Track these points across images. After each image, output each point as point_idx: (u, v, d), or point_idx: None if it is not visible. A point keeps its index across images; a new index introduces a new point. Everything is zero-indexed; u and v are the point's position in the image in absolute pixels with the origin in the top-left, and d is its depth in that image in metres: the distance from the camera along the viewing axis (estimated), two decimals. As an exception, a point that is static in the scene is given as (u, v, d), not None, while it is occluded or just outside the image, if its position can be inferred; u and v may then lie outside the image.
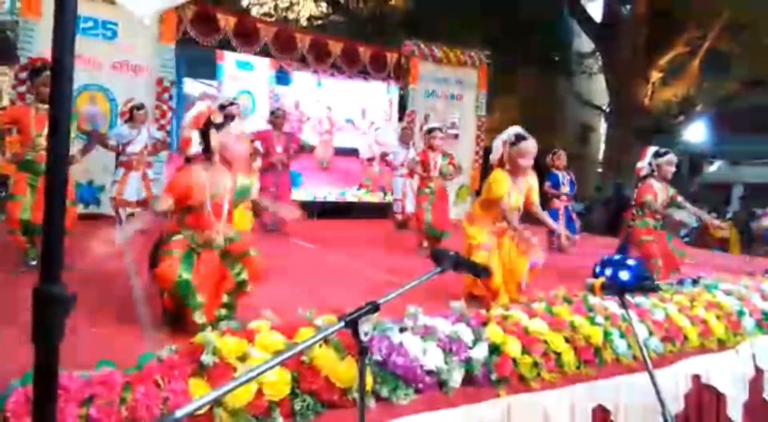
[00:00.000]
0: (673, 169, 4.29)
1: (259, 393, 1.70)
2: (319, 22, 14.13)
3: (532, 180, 3.29)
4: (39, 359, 0.68)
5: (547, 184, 6.20)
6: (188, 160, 2.43)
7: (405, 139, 7.52)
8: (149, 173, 5.75)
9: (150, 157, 5.75)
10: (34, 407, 0.70)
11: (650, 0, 11.73)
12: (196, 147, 2.37)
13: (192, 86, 8.24)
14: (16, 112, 3.76)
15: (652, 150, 4.41)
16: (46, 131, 0.73)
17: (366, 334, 1.32)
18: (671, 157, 4.28)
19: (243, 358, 1.76)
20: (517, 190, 3.21)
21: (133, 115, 5.38)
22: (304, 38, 8.40)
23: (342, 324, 1.28)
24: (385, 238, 6.38)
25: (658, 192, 4.24)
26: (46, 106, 3.29)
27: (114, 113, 6.76)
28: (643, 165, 4.37)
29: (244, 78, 8.58)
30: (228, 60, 8.30)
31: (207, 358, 1.70)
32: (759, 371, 3.03)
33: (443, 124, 5.41)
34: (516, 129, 3.27)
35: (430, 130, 5.31)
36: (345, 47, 8.70)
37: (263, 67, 8.60)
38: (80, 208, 5.13)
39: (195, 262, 2.35)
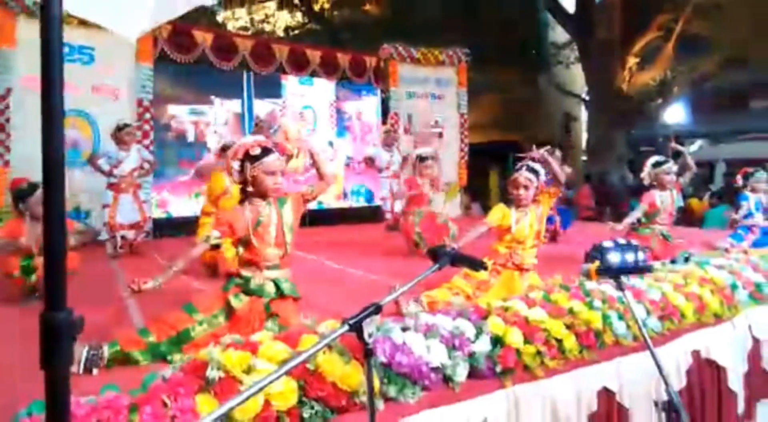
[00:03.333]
0: (671, 177, 4.50)
1: (267, 404, 1.70)
2: (296, 32, 14.15)
3: (536, 210, 3.38)
4: (49, 385, 0.68)
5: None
6: (243, 193, 2.60)
7: (389, 141, 7.55)
8: (140, 195, 5.73)
9: (141, 178, 5.73)
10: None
11: (621, -13, 11.90)
12: (235, 176, 2.54)
13: (260, 106, 8.47)
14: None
15: (651, 161, 4.60)
16: None
17: (370, 336, 1.34)
18: (668, 166, 4.49)
19: (248, 370, 1.76)
20: (525, 221, 3.30)
21: (118, 136, 5.35)
22: (281, 49, 8.42)
23: (346, 327, 1.30)
24: (376, 241, 6.39)
25: (661, 199, 4.44)
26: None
27: (96, 137, 6.73)
28: (644, 175, 4.58)
29: (306, 93, 8.97)
30: (291, 78, 8.72)
31: (212, 373, 1.71)
32: (756, 341, 3.08)
33: (433, 152, 5.47)
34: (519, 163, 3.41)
35: (422, 159, 5.31)
36: (323, 55, 8.73)
37: (323, 81, 9.00)
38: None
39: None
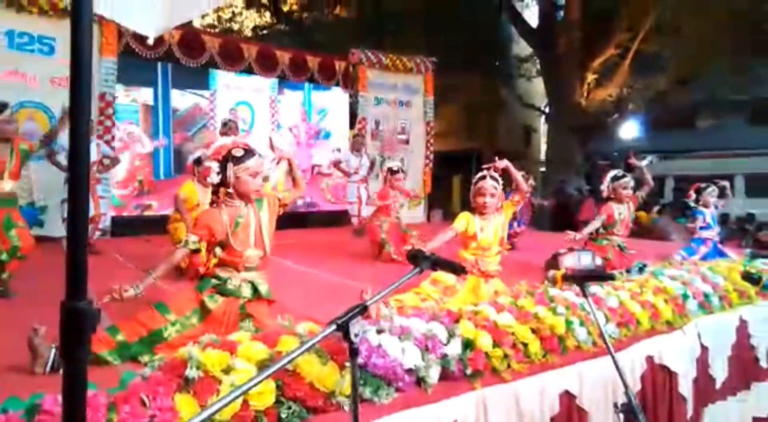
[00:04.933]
0: (628, 192, 4.73)
1: (245, 404, 1.71)
2: (264, 32, 14.04)
3: (499, 218, 3.46)
4: (68, 373, 0.70)
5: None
6: (215, 192, 2.60)
7: (356, 146, 7.61)
8: (98, 190, 5.57)
9: (100, 174, 5.57)
10: (65, 420, 0.71)
11: (583, 5, 12.33)
12: (214, 178, 2.51)
13: (181, 99, 7.94)
14: None
15: (611, 174, 4.81)
16: None
17: (356, 336, 1.37)
18: (626, 181, 4.71)
19: (227, 370, 1.77)
20: (489, 228, 3.39)
21: None
22: (250, 48, 8.35)
23: (334, 327, 1.33)
24: (344, 245, 6.42)
25: (618, 212, 4.64)
26: None
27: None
28: (603, 188, 4.78)
29: (242, 87, 8.42)
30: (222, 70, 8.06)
31: (192, 372, 1.70)
32: (704, 348, 3.27)
33: (402, 166, 5.69)
34: (483, 171, 3.48)
35: (393, 172, 5.47)
36: (293, 56, 8.71)
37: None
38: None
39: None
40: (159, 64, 7.66)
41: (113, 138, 6.85)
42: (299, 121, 9.27)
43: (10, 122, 3.64)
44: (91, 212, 5.32)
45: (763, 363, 3.75)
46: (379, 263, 5.18)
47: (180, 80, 7.93)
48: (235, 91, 8.42)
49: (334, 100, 9.59)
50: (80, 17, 0.72)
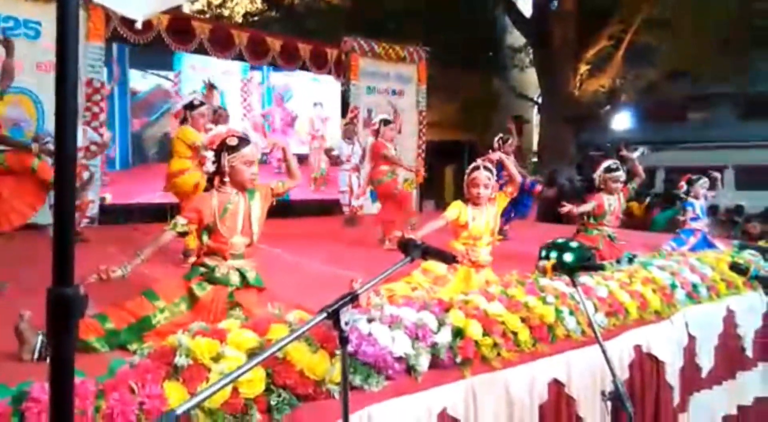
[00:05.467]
0: (618, 185, 4.74)
1: (235, 391, 1.71)
2: (255, 18, 13.88)
3: (492, 208, 3.46)
4: (55, 359, 0.69)
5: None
6: (209, 180, 2.57)
7: (348, 134, 7.58)
8: (84, 176, 5.50)
9: (88, 160, 5.51)
10: (52, 406, 0.70)
11: (577, -4, 12.32)
12: (210, 167, 2.52)
13: (142, 81, 7.53)
14: None
15: (605, 164, 4.80)
16: None
17: (347, 324, 1.37)
18: (618, 174, 4.71)
19: (217, 358, 1.76)
20: (481, 218, 3.39)
21: None
22: (241, 35, 8.26)
23: (324, 315, 1.33)
24: (334, 234, 6.41)
25: (608, 202, 4.65)
26: None
27: (41, 117, 6.41)
28: (595, 177, 4.79)
29: (210, 69, 7.81)
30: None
31: (181, 360, 1.70)
32: (691, 338, 3.31)
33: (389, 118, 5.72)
34: (476, 162, 3.47)
35: (386, 122, 5.55)
36: (284, 43, 8.63)
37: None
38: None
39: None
40: (114, 43, 7.20)
41: (101, 124, 6.76)
42: (273, 107, 8.94)
43: None
44: (78, 199, 5.28)
45: (748, 353, 3.80)
46: (374, 252, 5.18)
47: (140, 60, 7.48)
48: (202, 74, 7.71)
49: (322, 86, 9.36)
50: (67, 1, 0.70)
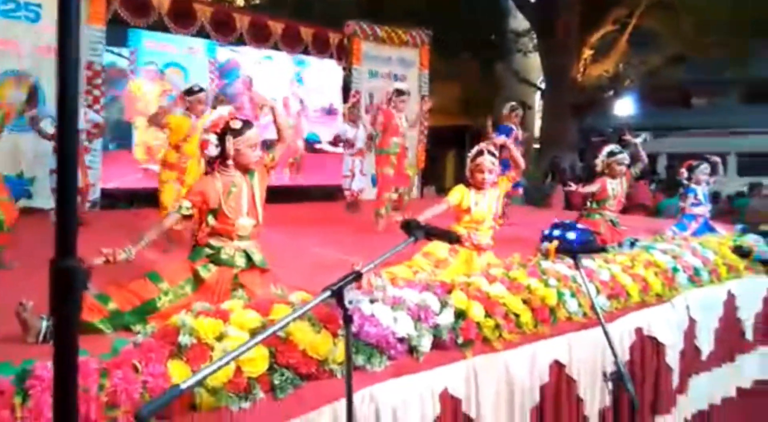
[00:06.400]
0: (622, 168, 4.71)
1: (238, 370, 1.72)
2: (257, 1, 13.74)
3: (494, 193, 3.47)
4: (59, 334, 0.69)
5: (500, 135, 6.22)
6: (209, 163, 2.55)
7: (353, 117, 7.54)
8: (86, 160, 5.50)
9: (90, 142, 5.50)
10: (56, 381, 0.70)
11: (582, -21, 12.15)
12: (213, 150, 2.46)
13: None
14: None
15: (608, 149, 4.77)
16: None
17: (351, 303, 1.38)
18: (621, 157, 4.68)
19: (220, 338, 1.77)
20: (484, 203, 3.39)
21: None
22: (242, 18, 8.17)
23: (328, 293, 1.33)
24: (336, 219, 6.40)
25: (611, 187, 4.64)
26: None
27: (41, 100, 6.37)
28: (597, 162, 4.75)
29: (172, 46, 7.38)
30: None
31: (184, 339, 1.71)
32: (692, 321, 3.32)
33: (409, 88, 5.67)
34: (479, 146, 3.46)
35: (399, 93, 5.43)
36: (286, 27, 8.55)
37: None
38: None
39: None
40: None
41: (102, 108, 6.72)
42: (244, 90, 8.31)
43: None
44: (79, 182, 5.26)
45: (748, 336, 3.83)
46: (375, 236, 5.17)
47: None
48: (162, 51, 7.43)
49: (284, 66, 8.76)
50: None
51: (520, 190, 5.62)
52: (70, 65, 0.73)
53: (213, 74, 7.98)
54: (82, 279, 0.70)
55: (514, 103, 6.58)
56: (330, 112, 9.40)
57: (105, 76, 6.88)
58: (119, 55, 7.22)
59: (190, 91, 4.24)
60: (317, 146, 9.21)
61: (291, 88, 8.89)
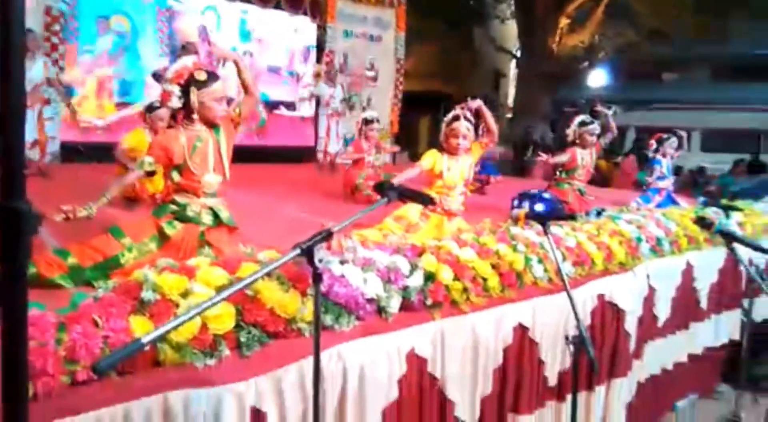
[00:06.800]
0: (593, 139, 4.76)
1: (204, 327, 1.69)
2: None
3: (467, 159, 3.46)
4: (8, 280, 0.64)
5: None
6: (173, 116, 2.45)
7: (329, 76, 7.37)
8: (45, 111, 5.25)
9: (59, 93, 5.25)
10: (4, 333, 0.66)
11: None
12: (176, 102, 2.34)
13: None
14: None
15: (579, 119, 4.79)
16: None
17: (321, 261, 1.35)
18: (593, 127, 4.73)
19: (185, 294, 1.73)
20: (456, 168, 3.37)
21: None
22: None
23: (298, 251, 1.30)
24: (308, 181, 6.32)
25: (581, 157, 4.68)
26: None
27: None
28: (569, 132, 4.78)
29: None
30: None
31: (147, 295, 1.66)
32: (651, 289, 3.43)
33: (377, 116, 5.47)
34: (454, 111, 3.41)
35: (367, 122, 5.25)
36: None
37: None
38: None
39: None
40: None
41: (61, 56, 6.38)
42: (199, 42, 7.50)
43: None
44: (36, 135, 5.03)
45: (702, 305, 3.98)
46: (348, 201, 5.13)
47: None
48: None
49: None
50: None
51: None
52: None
53: (163, 24, 7.50)
54: (32, 221, 0.65)
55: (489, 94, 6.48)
56: (277, 71, 8.87)
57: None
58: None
59: (150, 108, 4.05)
60: (276, 111, 8.82)
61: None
